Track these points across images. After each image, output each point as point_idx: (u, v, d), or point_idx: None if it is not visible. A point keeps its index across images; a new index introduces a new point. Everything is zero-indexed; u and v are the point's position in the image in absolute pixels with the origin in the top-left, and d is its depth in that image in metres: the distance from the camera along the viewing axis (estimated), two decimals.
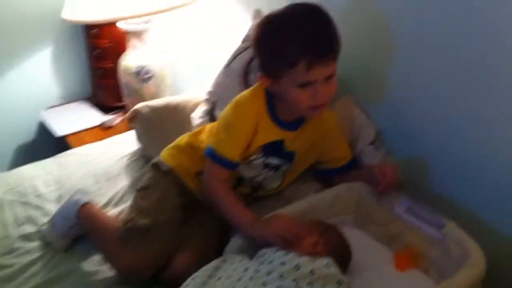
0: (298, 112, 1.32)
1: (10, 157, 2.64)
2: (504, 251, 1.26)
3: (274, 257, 1.13)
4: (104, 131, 2.50)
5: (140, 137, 1.90)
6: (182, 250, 1.37)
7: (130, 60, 2.31)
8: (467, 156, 1.31)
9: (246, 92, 1.38)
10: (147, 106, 1.89)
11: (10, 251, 1.52)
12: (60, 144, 2.43)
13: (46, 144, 2.58)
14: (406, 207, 1.31)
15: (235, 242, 1.26)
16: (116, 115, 2.57)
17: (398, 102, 1.48)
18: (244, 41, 1.80)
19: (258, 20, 1.38)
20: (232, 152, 1.33)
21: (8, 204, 1.72)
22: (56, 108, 2.71)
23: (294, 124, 1.37)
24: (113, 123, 2.53)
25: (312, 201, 1.37)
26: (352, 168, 1.49)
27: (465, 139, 1.31)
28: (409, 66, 1.40)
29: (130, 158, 1.95)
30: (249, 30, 1.77)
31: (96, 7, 2.02)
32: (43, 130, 2.63)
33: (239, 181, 1.44)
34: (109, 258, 1.41)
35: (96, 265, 1.46)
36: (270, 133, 1.35)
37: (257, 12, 1.78)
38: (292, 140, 1.39)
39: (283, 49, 1.21)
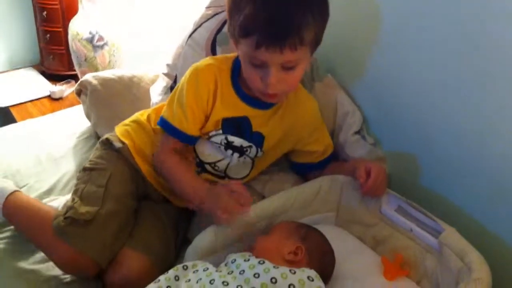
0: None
1: None
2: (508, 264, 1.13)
3: (245, 266, 0.99)
4: (53, 103, 2.34)
5: (88, 114, 1.70)
6: (133, 247, 1.20)
7: (81, 25, 2.13)
8: (461, 151, 1.18)
9: (211, 57, 1.23)
10: (96, 77, 1.69)
11: None
12: (6, 116, 2.27)
13: None
14: (396, 206, 1.18)
15: (198, 243, 1.10)
16: (66, 85, 2.34)
17: (383, 91, 1.34)
18: (208, 7, 1.60)
19: None
20: (187, 125, 1.19)
21: None
22: (1, 75, 2.55)
23: (262, 102, 1.20)
24: (63, 94, 2.31)
25: (289, 196, 1.21)
26: (332, 161, 1.35)
27: (458, 132, 1.18)
28: (398, 54, 1.27)
29: (79, 137, 1.78)
30: None
31: None
32: None
33: (200, 166, 1.29)
34: (44, 250, 1.23)
35: (35, 263, 1.27)
36: (231, 106, 1.21)
37: None
38: (261, 120, 1.24)
39: (242, 13, 1.03)
